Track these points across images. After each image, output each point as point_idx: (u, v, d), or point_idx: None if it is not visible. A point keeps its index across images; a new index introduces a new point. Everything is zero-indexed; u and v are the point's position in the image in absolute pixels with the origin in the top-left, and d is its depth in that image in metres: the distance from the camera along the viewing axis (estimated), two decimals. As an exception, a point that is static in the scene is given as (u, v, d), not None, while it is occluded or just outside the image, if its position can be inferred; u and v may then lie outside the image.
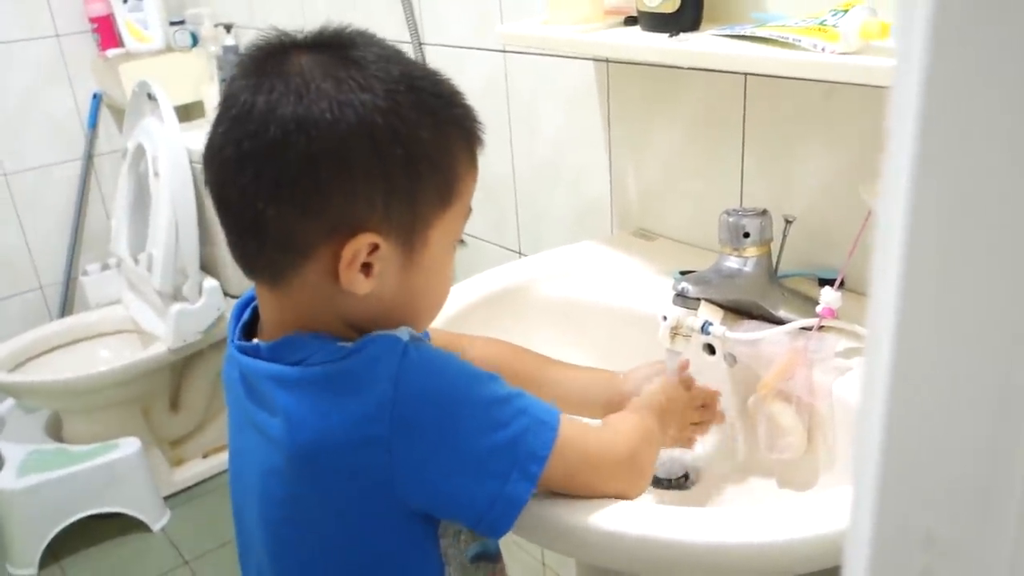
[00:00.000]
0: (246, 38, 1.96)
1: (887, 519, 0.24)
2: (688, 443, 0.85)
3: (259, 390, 0.63)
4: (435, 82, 0.63)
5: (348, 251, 0.59)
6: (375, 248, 0.60)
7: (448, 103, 0.63)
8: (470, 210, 0.67)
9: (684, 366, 0.87)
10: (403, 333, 0.61)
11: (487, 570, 0.72)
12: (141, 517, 2.00)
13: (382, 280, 0.61)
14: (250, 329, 0.69)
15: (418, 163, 0.60)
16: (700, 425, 0.85)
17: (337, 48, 0.61)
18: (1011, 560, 0.21)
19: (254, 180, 0.58)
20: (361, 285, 0.60)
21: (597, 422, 0.76)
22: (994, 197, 0.20)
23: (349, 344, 0.60)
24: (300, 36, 0.62)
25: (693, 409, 0.84)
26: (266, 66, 0.59)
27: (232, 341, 0.67)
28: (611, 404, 0.83)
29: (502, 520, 0.60)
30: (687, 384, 0.85)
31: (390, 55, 0.62)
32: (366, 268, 0.60)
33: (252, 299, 0.70)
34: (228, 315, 0.73)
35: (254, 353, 0.64)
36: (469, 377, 0.62)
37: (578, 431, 0.65)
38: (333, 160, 0.57)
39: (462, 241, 0.69)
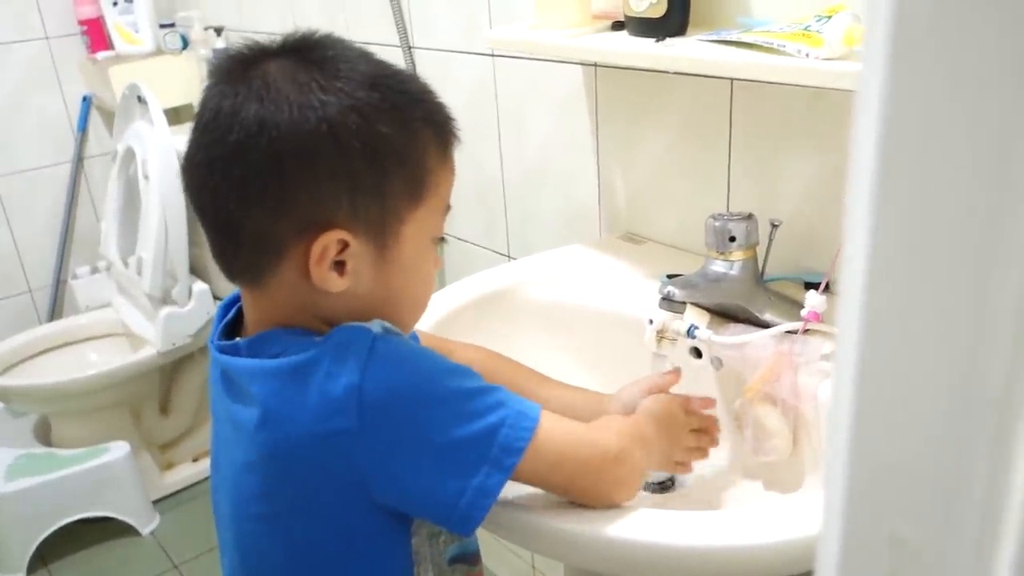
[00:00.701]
0: (236, 41, 1.96)
1: (856, 522, 0.25)
2: (683, 468, 0.80)
3: (237, 384, 0.64)
4: (401, 80, 0.64)
5: (317, 248, 0.60)
6: (345, 246, 0.61)
7: (414, 99, 0.64)
8: (448, 207, 0.67)
9: (675, 379, 0.84)
10: (375, 325, 0.61)
11: (463, 571, 0.72)
12: (130, 521, 1.99)
13: (356, 277, 0.62)
14: (233, 329, 0.69)
15: (383, 159, 0.60)
16: (697, 451, 0.81)
17: (303, 52, 0.62)
18: (974, 560, 0.22)
19: (223, 183, 0.60)
20: (335, 283, 0.61)
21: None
22: (954, 202, 0.21)
23: (320, 335, 0.61)
24: (269, 44, 0.63)
25: (690, 432, 0.80)
26: (234, 73, 0.61)
27: (212, 340, 0.68)
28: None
29: (472, 514, 0.59)
30: (685, 406, 0.80)
31: (355, 56, 0.62)
32: (339, 266, 0.61)
33: (237, 299, 0.71)
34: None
35: (233, 351, 0.65)
36: (441, 369, 0.61)
37: (561, 426, 0.64)
38: (296, 159, 0.58)
39: (443, 239, 0.69)
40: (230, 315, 0.70)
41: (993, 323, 0.20)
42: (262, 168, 0.59)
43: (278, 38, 0.63)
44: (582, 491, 0.66)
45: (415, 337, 0.79)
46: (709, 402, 0.84)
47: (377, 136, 0.60)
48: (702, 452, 0.82)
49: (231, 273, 0.65)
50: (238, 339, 0.66)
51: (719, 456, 0.92)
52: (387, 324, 0.63)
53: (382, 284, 0.64)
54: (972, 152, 0.20)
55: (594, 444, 0.66)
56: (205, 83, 0.64)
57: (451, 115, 0.66)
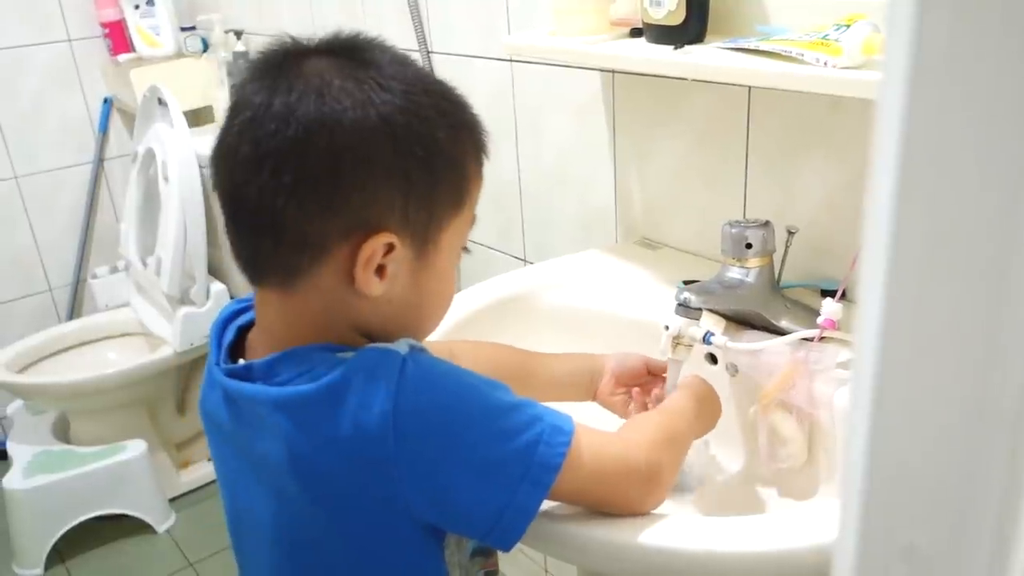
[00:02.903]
0: (256, 44, 1.98)
1: (871, 531, 0.25)
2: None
3: (254, 415, 0.62)
4: (446, 88, 0.64)
5: (366, 251, 0.59)
6: (390, 249, 0.59)
7: (460, 108, 0.64)
8: (475, 218, 0.67)
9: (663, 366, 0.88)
10: (402, 346, 0.60)
11: (481, 564, 0.72)
12: (146, 519, 2.01)
13: (393, 282, 0.61)
14: (235, 351, 0.67)
15: (436, 164, 0.60)
16: None
17: (351, 52, 0.61)
18: (987, 572, 0.22)
19: (273, 178, 0.57)
20: (375, 287, 0.60)
21: (585, 405, 0.78)
22: (974, 214, 0.21)
23: (348, 355, 0.59)
24: (312, 42, 0.62)
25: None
26: (280, 69, 0.59)
27: (217, 364, 0.65)
28: (594, 383, 0.86)
29: (511, 531, 0.59)
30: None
31: (402, 59, 0.62)
32: (380, 270, 0.60)
33: (231, 318, 0.69)
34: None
35: (244, 375, 0.62)
36: (473, 388, 0.60)
37: (594, 439, 0.63)
38: (355, 158, 0.57)
39: (466, 248, 0.69)
40: (229, 336, 0.67)
41: (1009, 334, 0.21)
42: (319, 166, 0.57)
43: (316, 37, 0.62)
44: (613, 503, 0.66)
45: None
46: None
47: (433, 140, 0.60)
48: None
49: (261, 273, 0.63)
50: (251, 360, 0.63)
51: (735, 463, 0.92)
52: (412, 342, 0.62)
53: (416, 290, 0.63)
54: (988, 165, 0.21)
55: (625, 456, 0.65)
56: (242, 78, 0.62)
57: (485, 128, 0.66)
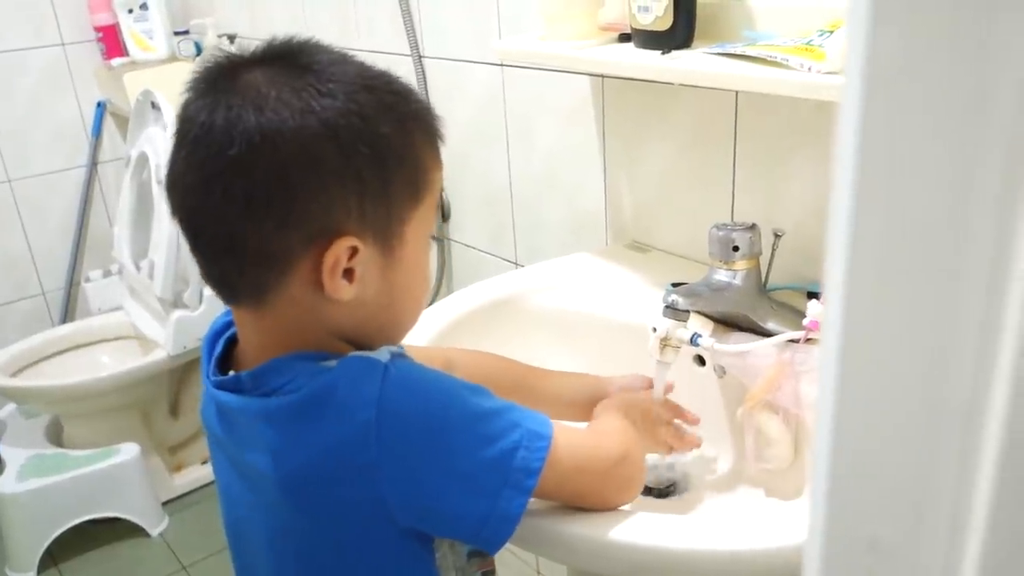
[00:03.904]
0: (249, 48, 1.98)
1: (837, 526, 0.26)
2: (664, 446, 0.85)
3: (240, 426, 0.63)
4: (389, 80, 0.63)
5: (329, 258, 0.58)
6: (354, 252, 0.59)
7: (405, 99, 0.63)
8: (443, 205, 0.68)
9: (668, 390, 0.87)
10: (383, 354, 0.60)
11: (478, 564, 0.73)
12: (140, 522, 2.01)
13: (365, 283, 0.61)
14: (224, 362, 0.67)
15: (386, 160, 0.60)
16: (676, 437, 0.85)
17: (287, 58, 0.60)
18: (944, 561, 0.23)
19: (224, 199, 0.57)
20: (345, 291, 0.60)
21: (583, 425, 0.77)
22: (928, 215, 0.22)
23: (331, 363, 0.59)
24: (247, 53, 0.61)
25: (665, 423, 0.84)
26: (218, 84, 0.58)
27: (207, 377, 0.66)
28: (595, 405, 0.83)
29: (497, 536, 0.60)
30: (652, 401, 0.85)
31: (340, 59, 0.61)
32: (348, 273, 0.60)
33: (222, 331, 0.69)
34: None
35: (233, 386, 0.63)
36: (454, 393, 0.60)
37: (569, 439, 0.64)
38: (302, 167, 0.57)
39: (435, 237, 0.69)
40: (219, 348, 0.68)
41: (962, 332, 0.22)
42: (268, 180, 0.56)
43: (255, 46, 0.62)
44: (590, 499, 0.67)
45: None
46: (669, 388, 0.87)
47: (379, 136, 0.59)
48: (681, 441, 0.85)
49: (232, 294, 0.63)
50: (240, 372, 0.63)
51: (722, 463, 0.93)
52: (394, 349, 0.62)
53: (387, 287, 0.63)
54: (942, 166, 0.22)
55: (599, 450, 0.67)
56: (186, 96, 0.60)
57: (436, 113, 0.65)
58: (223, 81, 0.59)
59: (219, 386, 0.64)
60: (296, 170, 0.57)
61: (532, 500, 0.67)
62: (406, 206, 0.62)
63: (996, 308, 0.21)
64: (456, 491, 0.59)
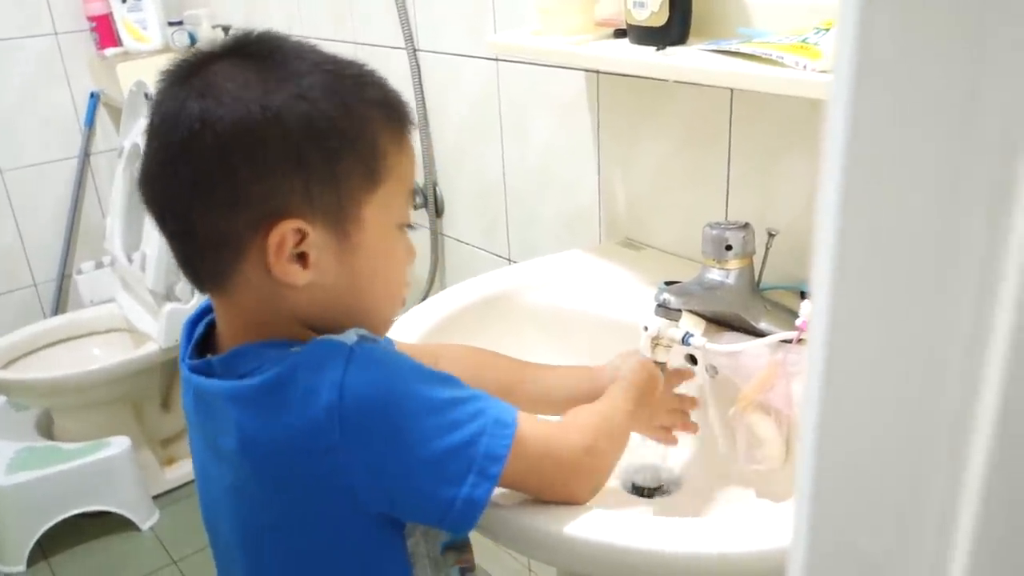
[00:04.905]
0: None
1: (821, 534, 0.25)
2: (666, 434, 0.84)
3: (213, 408, 0.63)
4: (346, 65, 0.63)
5: (273, 239, 0.59)
6: (304, 235, 0.60)
7: (359, 83, 0.63)
8: (412, 192, 0.66)
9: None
10: (349, 336, 0.60)
11: (455, 558, 0.72)
12: (130, 516, 2.01)
13: (320, 268, 0.61)
14: (204, 346, 0.68)
15: (330, 141, 0.59)
16: (678, 413, 0.85)
17: (243, 49, 0.61)
18: (930, 570, 0.22)
19: (174, 182, 0.60)
20: (298, 275, 0.60)
21: None
22: (916, 218, 0.21)
23: (296, 348, 0.60)
24: (213, 47, 0.62)
25: (670, 395, 0.85)
26: (181, 78, 0.60)
27: (183, 360, 0.67)
28: (591, 398, 0.82)
29: (463, 521, 0.60)
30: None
31: (297, 48, 0.62)
32: (302, 258, 0.60)
33: (203, 314, 0.69)
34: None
35: (206, 370, 0.64)
36: (419, 379, 0.61)
37: (536, 428, 0.64)
38: (242, 150, 0.58)
39: (411, 226, 0.68)
40: (199, 331, 0.69)
41: (949, 337, 0.21)
42: (211, 164, 0.58)
43: (222, 39, 0.63)
44: (556, 489, 0.67)
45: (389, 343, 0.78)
46: (687, 373, 0.87)
47: (324, 120, 0.59)
48: (683, 418, 0.86)
49: (198, 280, 0.64)
50: (211, 357, 0.64)
51: (713, 463, 0.92)
52: (363, 332, 0.62)
53: (348, 273, 0.63)
54: (929, 168, 0.21)
55: (565, 440, 0.67)
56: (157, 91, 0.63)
57: (398, 97, 0.65)
58: (185, 75, 0.60)
59: (193, 370, 0.65)
60: (236, 153, 0.58)
61: (519, 499, 0.67)
62: (360, 189, 0.61)
63: (987, 311, 0.20)
64: (420, 476, 0.59)
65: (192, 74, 0.60)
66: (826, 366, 0.23)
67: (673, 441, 0.86)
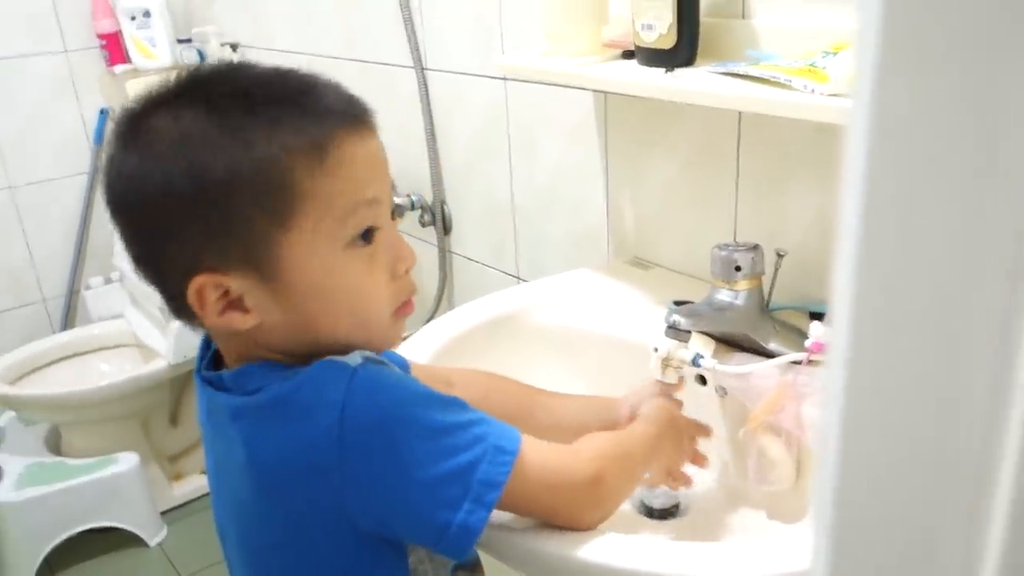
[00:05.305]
0: (251, 57, 1.98)
1: (843, 558, 0.25)
2: (676, 479, 0.82)
3: (220, 421, 0.64)
4: (266, 94, 0.60)
5: (191, 296, 0.60)
6: (226, 288, 0.60)
7: (273, 119, 0.59)
8: (363, 203, 0.61)
9: (680, 386, 0.86)
10: (354, 358, 0.60)
11: None
12: (138, 532, 2.00)
13: (262, 310, 0.61)
14: (220, 358, 0.69)
15: (218, 194, 0.58)
16: (697, 457, 0.83)
17: (175, 97, 0.61)
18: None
19: (123, 237, 0.63)
20: (241, 321, 0.61)
21: None
22: (939, 235, 0.22)
23: (301, 368, 0.60)
24: (159, 92, 0.63)
25: (690, 439, 0.83)
26: (116, 133, 0.62)
27: (198, 372, 0.68)
28: (605, 430, 0.80)
29: (458, 547, 0.59)
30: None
31: (218, 88, 0.61)
32: (240, 304, 0.61)
33: None
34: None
35: (217, 383, 0.65)
36: (420, 403, 0.60)
37: (539, 454, 0.63)
38: (148, 216, 0.60)
39: (370, 229, 0.62)
40: (215, 345, 0.69)
41: (973, 361, 0.21)
42: (133, 226, 0.62)
43: (171, 79, 0.64)
44: (562, 517, 0.66)
45: (404, 364, 0.77)
46: (705, 430, 0.86)
47: (205, 171, 0.57)
48: (700, 458, 0.84)
49: (176, 316, 0.66)
50: (223, 371, 0.65)
51: (723, 485, 0.92)
52: (367, 353, 0.62)
53: (291, 308, 0.61)
54: (950, 181, 0.21)
55: (571, 468, 0.66)
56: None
57: (330, 109, 0.60)
58: (120, 129, 0.62)
59: (206, 381, 0.66)
60: (145, 220, 0.61)
61: (523, 522, 0.67)
62: (267, 233, 0.59)
63: (1009, 343, 0.20)
64: (416, 499, 0.59)
65: (125, 128, 0.62)
66: (848, 385, 0.23)
67: (687, 483, 0.84)
